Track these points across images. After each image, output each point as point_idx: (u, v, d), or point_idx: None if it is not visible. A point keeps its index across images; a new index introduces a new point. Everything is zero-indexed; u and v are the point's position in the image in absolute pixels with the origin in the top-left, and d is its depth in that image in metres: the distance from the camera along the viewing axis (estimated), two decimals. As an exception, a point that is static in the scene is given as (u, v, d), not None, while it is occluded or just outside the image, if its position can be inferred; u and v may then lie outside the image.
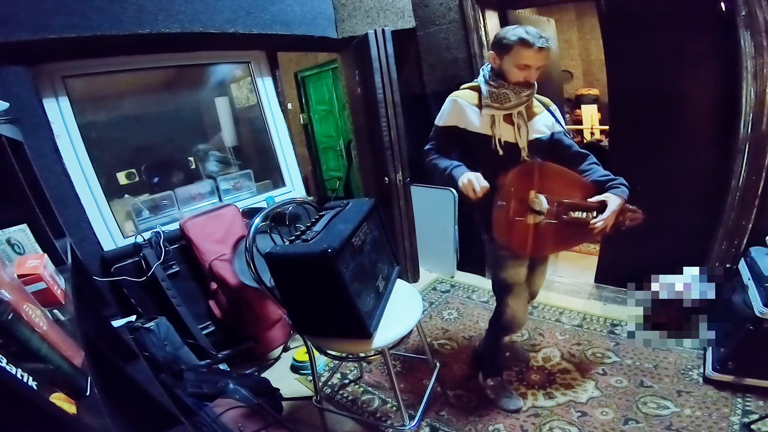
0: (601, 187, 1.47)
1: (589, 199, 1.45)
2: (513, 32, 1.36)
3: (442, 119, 1.55)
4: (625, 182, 1.48)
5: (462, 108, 1.49)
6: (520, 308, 1.63)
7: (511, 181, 1.35)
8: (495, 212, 1.39)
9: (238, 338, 2.31)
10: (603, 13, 2.15)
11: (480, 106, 1.48)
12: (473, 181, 1.34)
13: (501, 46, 1.39)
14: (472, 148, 1.52)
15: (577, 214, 1.43)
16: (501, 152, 1.46)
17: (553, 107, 1.58)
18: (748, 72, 1.70)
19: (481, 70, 1.53)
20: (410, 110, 2.71)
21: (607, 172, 1.51)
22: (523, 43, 1.33)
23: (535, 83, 1.45)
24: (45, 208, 1.35)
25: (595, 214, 1.43)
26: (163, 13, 1.88)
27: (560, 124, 1.56)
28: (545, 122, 1.54)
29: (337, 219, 1.45)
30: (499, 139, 1.46)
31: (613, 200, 1.42)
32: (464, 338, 2.30)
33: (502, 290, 1.63)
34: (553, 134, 1.54)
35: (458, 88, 1.57)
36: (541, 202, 1.37)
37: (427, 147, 1.60)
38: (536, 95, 1.50)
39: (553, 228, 1.40)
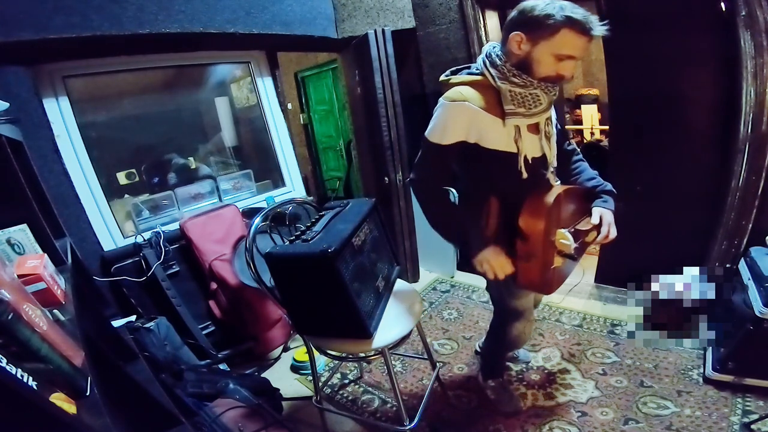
0: (591, 193, 1.33)
1: (592, 222, 1.25)
2: (557, 9, 0.97)
3: (442, 134, 1.11)
4: (611, 188, 1.32)
5: (474, 115, 1.08)
6: (528, 328, 1.56)
7: (544, 231, 1.10)
8: (523, 267, 1.15)
9: (238, 338, 2.31)
10: (603, 13, 2.15)
11: (492, 111, 1.10)
12: (497, 269, 1.11)
13: (538, 26, 1.00)
14: (484, 169, 1.18)
15: (589, 238, 1.27)
16: (525, 174, 1.13)
17: None
18: (748, 72, 1.70)
19: (484, 56, 1.13)
20: (410, 110, 2.71)
21: (593, 174, 1.36)
22: (575, 25, 0.96)
23: None
24: (45, 208, 1.35)
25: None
26: (163, 13, 1.88)
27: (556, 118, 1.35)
28: (554, 122, 1.28)
29: (337, 219, 1.45)
30: (526, 156, 1.13)
31: (607, 215, 1.26)
32: (464, 338, 2.30)
33: (512, 316, 1.49)
34: (559, 133, 1.34)
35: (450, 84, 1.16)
36: (570, 243, 1.14)
37: (414, 177, 1.19)
38: None
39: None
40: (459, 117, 1.09)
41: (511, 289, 1.37)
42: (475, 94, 1.10)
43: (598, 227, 1.24)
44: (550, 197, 1.14)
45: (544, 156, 1.19)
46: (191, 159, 2.77)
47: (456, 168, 1.25)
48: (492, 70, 1.10)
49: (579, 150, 1.47)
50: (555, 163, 1.22)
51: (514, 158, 1.13)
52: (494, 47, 1.13)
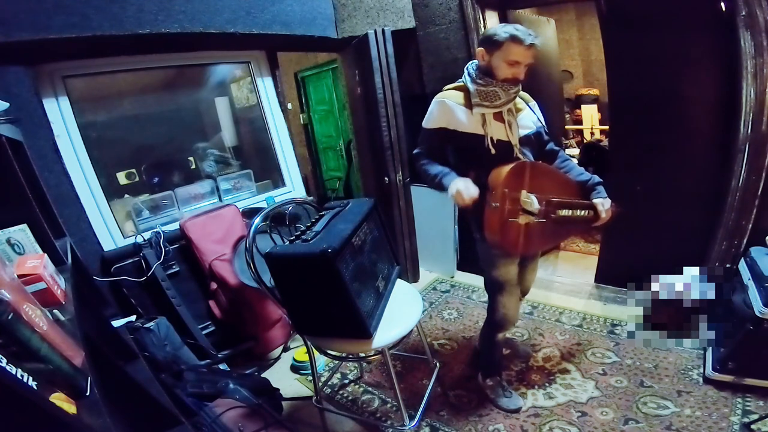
0: (582, 186, 1.58)
1: (603, 213, 1.52)
2: (503, 29, 1.37)
3: (430, 122, 1.53)
4: (599, 179, 1.58)
5: (450, 109, 1.47)
6: (512, 305, 1.65)
7: (504, 182, 1.35)
8: (488, 213, 1.39)
9: (238, 338, 2.31)
10: (603, 13, 2.16)
11: (468, 106, 1.47)
12: (462, 191, 1.34)
13: (491, 43, 1.39)
14: (463, 148, 1.52)
15: (565, 212, 1.47)
16: (493, 151, 1.46)
17: (533, 103, 1.61)
18: (748, 72, 1.70)
19: (465, 69, 1.51)
20: (410, 110, 2.70)
21: (581, 170, 1.61)
22: (514, 39, 1.34)
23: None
24: (45, 208, 1.35)
25: (585, 212, 1.53)
26: (163, 13, 1.88)
27: (540, 120, 1.59)
28: (530, 118, 1.57)
29: (337, 219, 1.45)
30: (492, 138, 1.45)
31: (604, 203, 1.53)
32: (464, 338, 2.30)
33: (494, 288, 1.64)
34: (537, 130, 1.58)
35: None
36: (533, 202, 1.37)
37: (416, 151, 1.59)
38: None
39: (542, 226, 1.42)
40: (439, 109, 1.50)
41: (491, 256, 1.57)
42: (456, 94, 1.50)
43: (587, 207, 1.53)
44: (515, 163, 1.40)
45: (509, 140, 1.49)
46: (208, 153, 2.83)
47: (445, 149, 1.57)
48: (467, 77, 1.49)
49: (563, 151, 1.69)
50: (518, 145, 1.50)
51: (482, 138, 1.46)
52: (472, 63, 1.51)
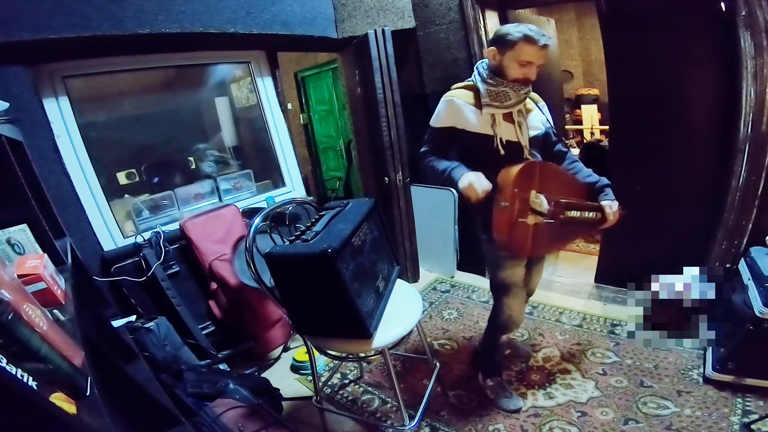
0: (590, 188, 1.57)
1: (611, 215, 1.52)
2: (516, 29, 1.35)
3: (438, 120, 1.51)
4: (608, 181, 1.57)
5: (459, 108, 1.46)
6: (518, 308, 1.64)
7: (514, 181, 1.33)
8: (496, 213, 1.37)
9: (238, 338, 2.31)
10: (603, 13, 2.16)
11: (477, 106, 1.45)
12: (475, 183, 1.31)
13: (503, 42, 1.37)
14: (471, 148, 1.50)
15: (573, 214, 1.46)
16: (502, 152, 1.44)
17: (542, 103, 1.59)
18: (748, 72, 1.70)
19: (475, 68, 1.50)
20: (410, 110, 2.71)
21: (589, 172, 1.59)
22: (528, 39, 1.32)
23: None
24: (45, 208, 1.34)
25: (593, 214, 1.51)
26: (163, 13, 1.88)
27: (549, 120, 1.58)
28: (539, 119, 1.55)
29: (337, 219, 1.45)
30: (501, 139, 1.44)
31: (612, 206, 1.51)
32: (464, 338, 2.30)
33: (500, 290, 1.63)
34: (546, 130, 1.56)
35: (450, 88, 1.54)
36: (542, 202, 1.36)
37: (422, 149, 1.57)
38: None
39: (549, 227, 1.40)
40: (447, 108, 1.48)
41: (497, 258, 1.55)
42: (465, 94, 1.48)
43: (605, 216, 1.52)
44: (525, 162, 1.40)
45: (519, 141, 1.47)
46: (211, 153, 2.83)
47: (451, 148, 1.55)
48: (477, 77, 1.48)
49: (572, 152, 1.66)
50: (528, 146, 1.49)
51: (491, 139, 1.45)
52: (482, 62, 1.50)
